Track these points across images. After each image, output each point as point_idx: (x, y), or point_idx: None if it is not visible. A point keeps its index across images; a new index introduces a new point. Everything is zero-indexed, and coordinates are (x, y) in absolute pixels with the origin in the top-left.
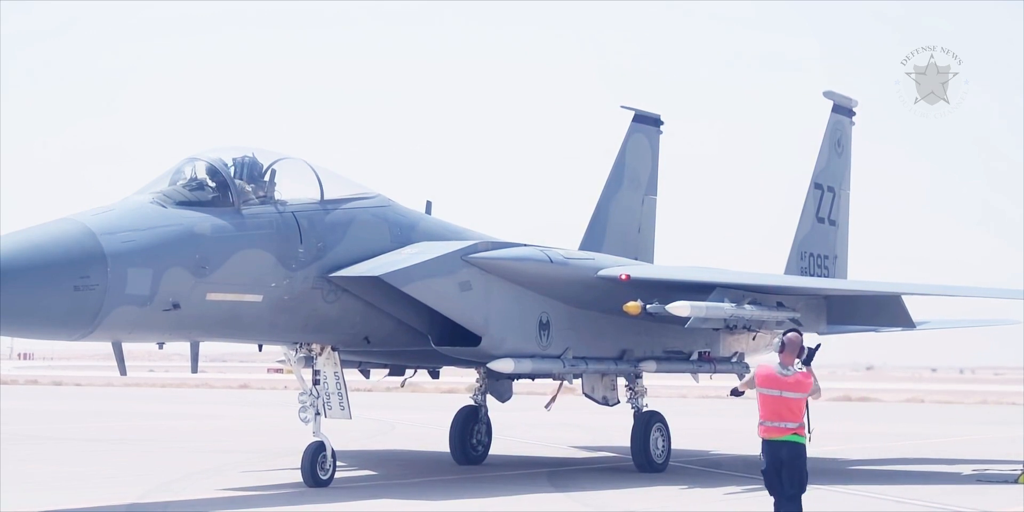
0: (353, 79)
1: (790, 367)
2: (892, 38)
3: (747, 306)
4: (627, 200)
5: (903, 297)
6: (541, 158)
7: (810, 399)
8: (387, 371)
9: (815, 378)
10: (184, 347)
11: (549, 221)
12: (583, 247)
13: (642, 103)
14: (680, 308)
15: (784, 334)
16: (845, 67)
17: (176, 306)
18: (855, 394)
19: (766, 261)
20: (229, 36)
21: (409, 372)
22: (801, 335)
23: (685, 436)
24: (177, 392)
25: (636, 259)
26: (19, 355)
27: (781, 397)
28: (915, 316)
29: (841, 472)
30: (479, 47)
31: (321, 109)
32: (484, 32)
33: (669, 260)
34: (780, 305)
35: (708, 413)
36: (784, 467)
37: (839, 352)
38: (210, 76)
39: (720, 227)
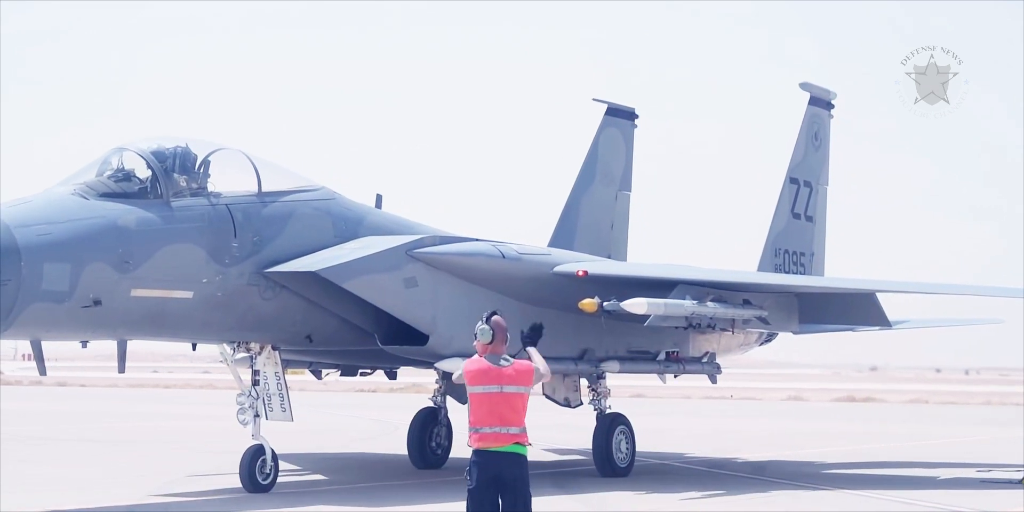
0: (328, 78)
1: (505, 357)
2: (889, 38)
3: (710, 304)
4: (599, 196)
5: (879, 295)
6: (511, 154)
7: (543, 381)
8: (339, 371)
9: (535, 359)
10: (201, 348)
11: (519, 218)
12: (552, 244)
13: (616, 98)
14: (637, 305)
15: (485, 320)
16: (831, 62)
17: (97, 303)
18: (859, 395)
19: (744, 258)
20: (220, 37)
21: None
22: (502, 318)
23: (673, 438)
24: (181, 393)
25: (609, 257)
26: (23, 356)
27: (502, 393)
28: (900, 315)
29: (845, 474)
30: (446, 42)
31: (308, 107)
32: (453, 27)
33: (644, 258)
34: (747, 303)
35: (716, 415)
36: (504, 488)
37: (843, 352)
38: (199, 77)
39: (696, 223)
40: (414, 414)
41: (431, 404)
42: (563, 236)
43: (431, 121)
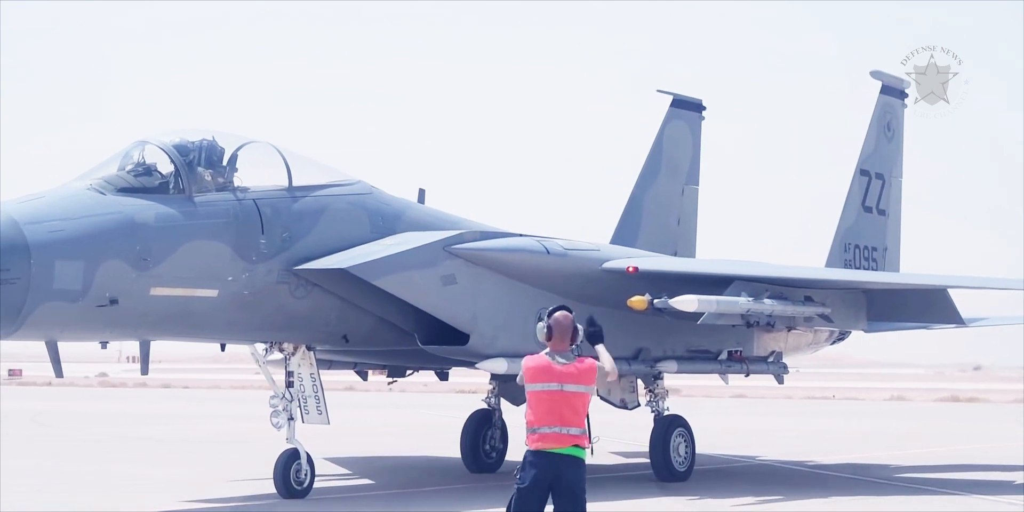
0: (385, 74)
1: (566, 354)
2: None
3: (767, 301)
4: (664, 190)
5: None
6: (572, 148)
7: (607, 382)
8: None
9: (602, 358)
10: None
11: (581, 214)
12: (615, 241)
13: (682, 89)
14: (686, 303)
15: (548, 315)
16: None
17: (114, 302)
18: (963, 394)
19: (820, 254)
20: (226, 34)
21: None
22: (571, 313)
23: (761, 439)
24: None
25: (675, 253)
26: (128, 358)
27: (561, 392)
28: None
29: (919, 477)
30: (509, 35)
31: (374, 103)
32: (516, 21)
33: (713, 254)
34: (808, 299)
35: (813, 415)
36: (560, 491)
37: (946, 351)
38: (208, 74)
39: (767, 218)
40: (467, 416)
41: (484, 405)
42: (626, 232)
43: (488, 116)
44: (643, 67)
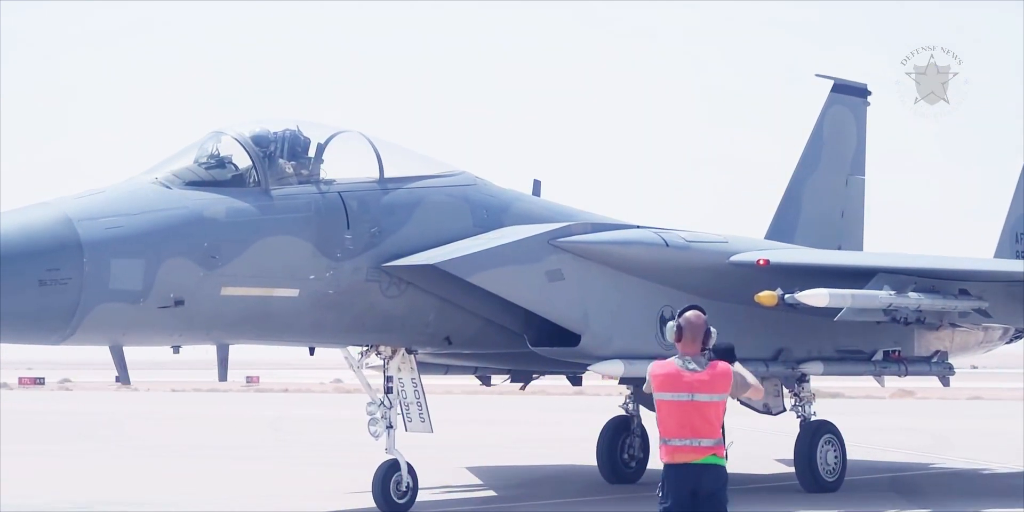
0: (528, 72)
1: (698, 359)
2: None
3: (912, 294)
4: (826, 181)
5: None
6: (724, 138)
7: (749, 397)
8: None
9: (748, 379)
10: None
11: (734, 209)
12: (770, 236)
13: (845, 74)
14: (816, 297)
15: (679, 314)
16: None
17: (179, 303)
18: None
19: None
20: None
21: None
22: (705, 314)
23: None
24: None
25: (839, 248)
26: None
27: (692, 402)
28: None
29: None
30: (662, 17)
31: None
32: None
33: (883, 249)
34: (964, 293)
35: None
36: (701, 501)
37: None
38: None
39: (938, 208)
40: (604, 424)
41: (622, 412)
42: (783, 226)
43: (632, 107)
44: (803, 50)
